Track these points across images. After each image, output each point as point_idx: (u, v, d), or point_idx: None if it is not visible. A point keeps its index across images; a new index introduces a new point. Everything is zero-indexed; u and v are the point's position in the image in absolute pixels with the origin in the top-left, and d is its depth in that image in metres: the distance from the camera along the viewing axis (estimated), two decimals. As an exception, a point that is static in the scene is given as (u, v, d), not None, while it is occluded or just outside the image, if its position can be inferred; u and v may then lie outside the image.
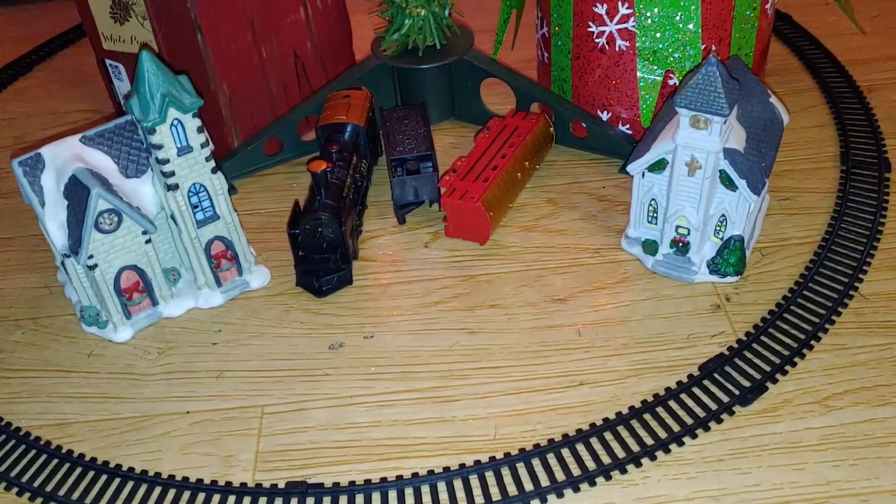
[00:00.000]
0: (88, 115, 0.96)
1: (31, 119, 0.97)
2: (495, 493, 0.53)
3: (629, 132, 0.77)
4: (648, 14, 0.69)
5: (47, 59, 1.08)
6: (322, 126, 0.75)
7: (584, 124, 0.77)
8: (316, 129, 0.76)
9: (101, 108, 0.96)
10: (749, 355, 0.60)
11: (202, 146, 0.62)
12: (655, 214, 0.66)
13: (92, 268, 0.63)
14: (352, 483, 0.54)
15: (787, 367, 0.59)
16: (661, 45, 0.70)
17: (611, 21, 0.71)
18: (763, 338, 0.61)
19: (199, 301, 0.68)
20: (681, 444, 0.55)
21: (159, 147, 0.60)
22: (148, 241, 0.64)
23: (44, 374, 0.64)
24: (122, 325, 0.66)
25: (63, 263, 0.67)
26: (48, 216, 0.63)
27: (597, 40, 0.73)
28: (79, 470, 0.57)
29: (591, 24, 0.72)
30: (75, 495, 0.55)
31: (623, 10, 0.70)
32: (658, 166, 0.63)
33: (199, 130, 0.61)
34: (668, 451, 0.54)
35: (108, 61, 0.84)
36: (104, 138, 0.64)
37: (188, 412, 0.60)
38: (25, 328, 0.68)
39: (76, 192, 0.62)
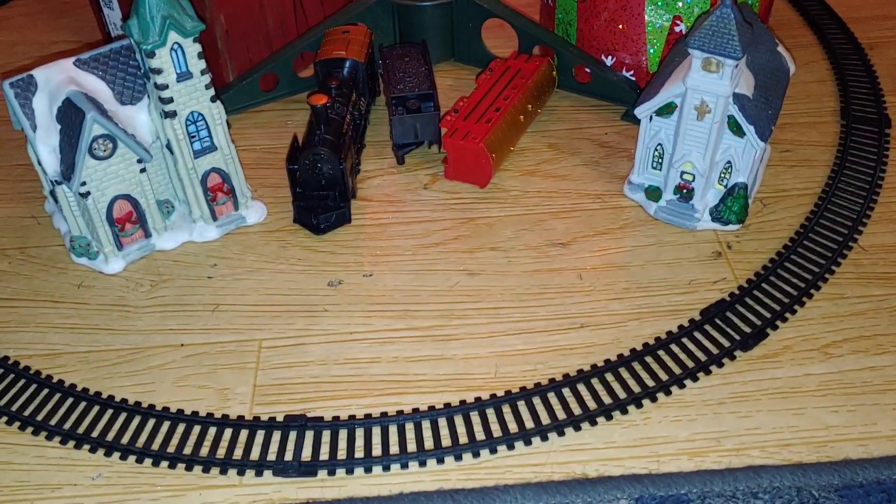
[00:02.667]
0: (74, 45, 0.93)
1: (15, 48, 0.94)
2: (496, 430, 0.53)
3: (633, 78, 0.76)
4: (659, -44, 0.68)
5: (29, -12, 1.05)
6: (321, 61, 0.73)
7: (587, 69, 0.76)
8: (314, 63, 0.74)
9: (88, 38, 0.93)
10: (750, 302, 0.60)
11: (202, 73, 0.60)
12: (661, 160, 0.65)
13: (84, 195, 0.61)
14: (351, 417, 0.54)
15: (788, 315, 0.59)
16: (670, -12, 0.69)
17: (620, -38, 0.70)
18: (764, 285, 0.61)
19: (193, 234, 0.67)
20: (682, 386, 0.55)
21: (158, 71, 0.58)
22: (143, 171, 0.63)
23: (32, 304, 0.63)
24: (113, 256, 0.65)
25: (52, 192, 0.66)
26: (39, 140, 0.60)
27: (605, -20, 0.72)
28: (70, 400, 0.55)
29: (599, -35, 0.71)
30: (66, 425, 0.54)
31: (634, -49, 0.68)
32: (666, 110, 0.62)
33: (200, 56, 0.59)
34: (668, 392, 0.54)
35: (96, -15, 0.81)
36: (99, 62, 0.61)
37: (182, 345, 0.59)
38: (13, 258, 0.66)
39: (70, 117, 0.60)
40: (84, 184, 0.60)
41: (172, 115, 0.60)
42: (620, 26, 0.73)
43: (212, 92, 0.61)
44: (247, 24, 0.77)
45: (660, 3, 0.70)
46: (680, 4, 0.70)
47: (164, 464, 0.52)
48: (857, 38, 0.87)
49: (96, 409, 0.55)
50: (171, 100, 0.60)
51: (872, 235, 0.65)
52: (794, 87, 0.80)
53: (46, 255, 0.67)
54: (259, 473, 0.51)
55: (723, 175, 0.64)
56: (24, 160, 0.71)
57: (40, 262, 0.66)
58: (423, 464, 0.51)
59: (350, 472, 0.51)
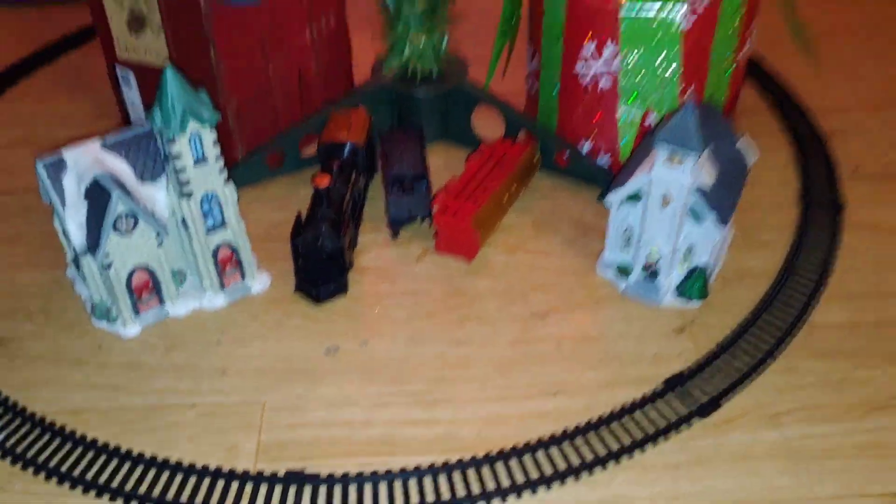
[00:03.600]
0: (92, 117, 1.00)
1: (38, 118, 1.01)
2: (476, 489, 0.58)
3: (608, 164, 0.83)
4: (632, 56, 0.76)
5: (52, 62, 1.13)
6: (324, 143, 0.80)
7: (567, 154, 0.84)
8: (318, 146, 0.81)
9: (105, 111, 1.00)
10: (708, 373, 0.66)
11: (217, 158, 0.67)
12: (629, 241, 0.72)
13: (107, 266, 0.67)
14: (345, 474, 0.59)
15: (742, 386, 0.65)
16: (642, 86, 0.77)
17: (596, 61, 0.77)
18: (721, 358, 0.67)
19: (203, 302, 0.73)
20: (643, 450, 0.60)
21: (178, 157, 0.65)
22: (160, 244, 0.69)
23: (56, 363, 0.69)
24: (131, 321, 0.71)
25: (76, 261, 0.72)
26: (68, 216, 0.67)
27: (582, 78, 0.79)
28: (92, 453, 0.61)
29: (577, 63, 0.78)
30: (89, 476, 0.59)
31: (608, 51, 0.76)
32: (634, 197, 0.69)
33: (215, 143, 0.66)
34: (631, 456, 0.60)
35: (118, 68, 0.88)
36: (123, 145, 0.68)
37: (194, 405, 0.65)
38: (37, 321, 0.72)
39: (96, 195, 0.66)
40: (108, 256, 0.67)
41: (189, 195, 0.67)
42: (596, 118, 0.80)
43: (225, 175, 0.68)
44: (257, 106, 0.85)
45: (630, 102, 0.78)
46: (651, 99, 0.78)
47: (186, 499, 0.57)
48: (820, 127, 0.94)
49: (116, 461, 0.61)
50: (188, 182, 0.66)
51: (823, 314, 0.71)
52: (761, 172, 0.87)
53: (68, 318, 0.73)
54: (261, 524, 0.57)
55: (685, 257, 0.70)
56: (46, 228, 0.78)
57: (63, 324, 0.72)
58: (409, 518, 0.57)
59: (343, 524, 0.57)
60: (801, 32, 0.86)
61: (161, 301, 0.72)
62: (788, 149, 0.91)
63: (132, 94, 0.89)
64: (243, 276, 0.74)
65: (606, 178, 0.81)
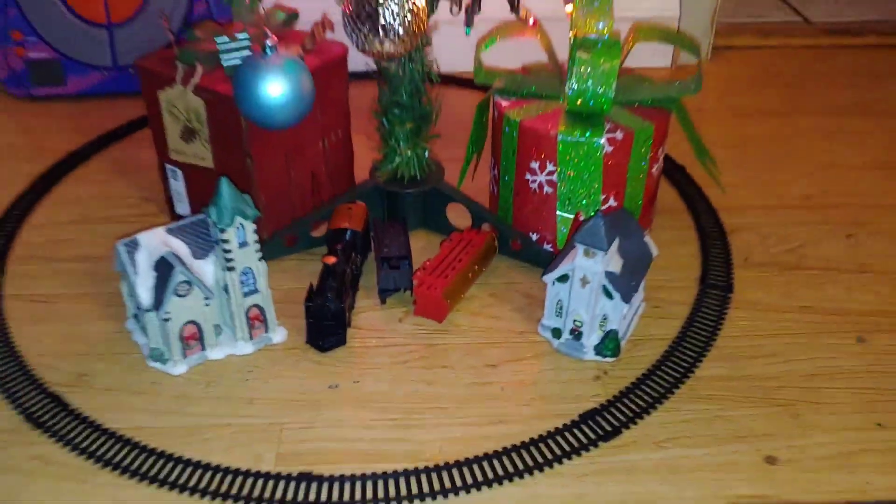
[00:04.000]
0: (140, 200, 1.23)
1: (93, 200, 1.24)
2: (437, 487, 0.80)
3: (550, 250, 1.07)
4: (566, 172, 1.00)
5: (104, 150, 1.37)
6: (331, 230, 1.04)
7: (519, 242, 1.07)
8: (327, 230, 1.05)
9: (150, 194, 1.23)
10: (614, 410, 0.88)
11: (255, 242, 0.90)
12: (561, 311, 0.95)
13: (166, 320, 0.90)
14: (342, 476, 0.81)
15: (637, 420, 0.87)
16: (573, 194, 1.01)
17: (541, 173, 1.02)
18: (624, 400, 0.90)
19: (236, 349, 0.95)
20: (561, 463, 0.82)
21: (226, 241, 0.88)
22: (207, 304, 0.92)
23: (122, 393, 0.90)
24: (179, 362, 0.93)
25: (136, 316, 0.95)
26: (139, 283, 0.90)
27: (531, 185, 1.04)
28: (151, 457, 0.82)
29: (527, 174, 1.03)
30: (150, 473, 0.81)
31: (549, 168, 1.01)
32: (563, 278, 0.92)
33: (254, 231, 0.90)
34: (552, 467, 0.82)
35: (167, 166, 1.12)
36: (182, 230, 0.92)
37: (229, 425, 0.87)
38: (106, 361, 0.94)
39: (162, 268, 0.89)
40: (168, 313, 0.89)
41: (232, 269, 0.90)
42: (541, 215, 1.05)
43: (260, 254, 0.91)
44: (280, 200, 1.08)
45: (566, 202, 1.02)
46: (580, 203, 1.02)
47: (218, 499, 0.79)
48: (723, 224, 1.19)
49: (170, 464, 0.82)
50: (232, 260, 0.90)
51: (706, 370, 0.94)
52: (672, 260, 1.10)
53: (129, 360, 0.95)
54: (280, 509, 0.78)
55: (601, 324, 0.93)
56: (110, 289, 1.01)
57: (125, 365, 0.94)
58: (388, 507, 0.79)
59: (340, 510, 0.78)
60: (704, 152, 1.12)
61: (203, 347, 0.94)
62: (695, 241, 1.16)
63: (178, 186, 1.12)
64: (267, 329, 0.96)
65: (548, 262, 1.05)
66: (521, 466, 0.82)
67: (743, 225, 1.19)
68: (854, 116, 1.46)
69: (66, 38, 1.42)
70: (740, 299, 1.05)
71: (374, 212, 1.11)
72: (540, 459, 0.83)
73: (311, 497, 0.79)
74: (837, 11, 1.85)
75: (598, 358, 0.94)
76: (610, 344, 0.94)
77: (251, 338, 0.96)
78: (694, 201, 1.23)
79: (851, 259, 1.12)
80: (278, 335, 0.97)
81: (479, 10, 0.96)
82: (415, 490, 0.80)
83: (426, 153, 1.10)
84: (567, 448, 0.84)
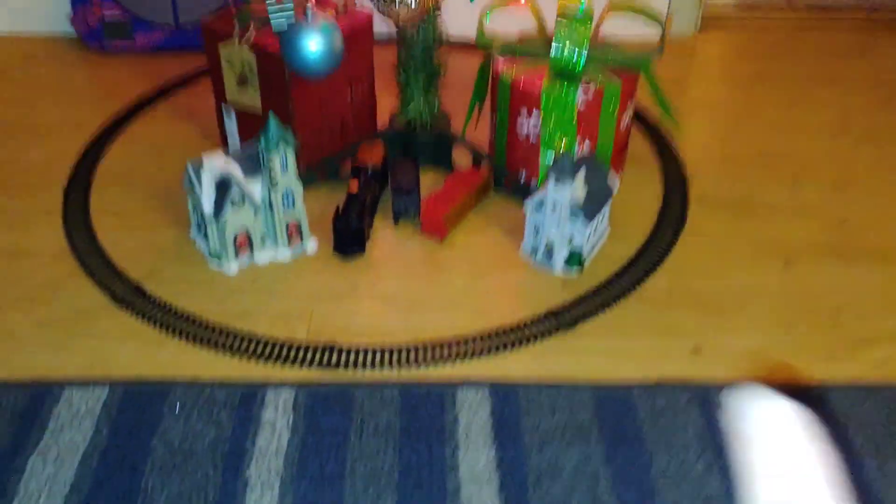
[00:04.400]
0: (199, 137, 1.47)
1: (160, 137, 1.48)
2: (429, 358, 1.04)
3: (535, 186, 1.29)
4: (548, 120, 1.22)
5: (167, 97, 1.60)
6: (356, 164, 1.27)
7: (510, 178, 1.30)
8: (351, 165, 1.28)
9: (208, 134, 1.47)
10: (574, 309, 1.11)
11: (294, 167, 1.14)
12: (538, 232, 1.18)
13: (223, 227, 1.14)
14: (356, 346, 1.05)
15: (591, 317, 1.10)
16: (552, 137, 1.23)
17: (528, 119, 1.24)
18: (582, 302, 1.12)
19: (277, 254, 1.19)
20: (530, 344, 1.06)
21: (272, 165, 1.12)
22: (255, 216, 1.16)
23: (187, 284, 1.15)
24: (233, 262, 1.17)
25: (198, 225, 1.19)
26: (204, 194, 1.14)
27: (520, 132, 1.26)
28: (210, 330, 1.07)
29: (518, 122, 1.25)
30: (210, 341, 1.05)
31: (534, 117, 1.23)
32: (539, 205, 1.15)
33: (295, 158, 1.13)
34: (521, 347, 1.05)
35: (224, 106, 1.36)
36: (239, 156, 1.15)
37: (271, 310, 1.11)
38: (174, 260, 1.19)
39: (222, 184, 1.13)
40: (225, 221, 1.13)
41: (276, 187, 1.14)
42: (528, 156, 1.27)
43: (297, 176, 1.15)
44: (314, 138, 1.31)
45: (547, 144, 1.24)
46: (558, 145, 1.24)
47: (262, 359, 1.03)
48: (686, 171, 1.40)
49: (224, 334, 1.06)
50: (276, 180, 1.13)
51: (653, 281, 1.17)
52: (636, 198, 1.32)
53: (193, 260, 1.19)
54: (310, 365, 1.02)
55: (568, 242, 1.16)
56: (175, 204, 1.25)
57: (191, 262, 1.18)
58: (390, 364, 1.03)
59: (354, 366, 1.02)
60: (667, 108, 1.33)
61: (251, 252, 1.18)
62: (660, 184, 1.37)
63: (231, 125, 1.36)
64: (302, 239, 1.20)
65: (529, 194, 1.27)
66: (496, 346, 1.06)
67: (703, 172, 1.40)
68: (817, 87, 1.66)
69: (135, 0, 1.66)
70: (691, 230, 1.27)
71: (391, 151, 1.34)
72: (511, 342, 1.06)
73: (334, 360, 1.03)
74: (821, -9, 2.04)
75: (566, 270, 1.17)
76: (575, 259, 1.16)
77: (289, 246, 1.19)
78: (663, 152, 1.45)
79: (791, 202, 1.34)
80: (311, 245, 1.21)
81: (480, -15, 1.18)
82: (412, 359, 1.04)
83: (436, 104, 1.32)
84: (533, 335, 1.07)
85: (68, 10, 1.73)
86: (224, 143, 1.40)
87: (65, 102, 1.58)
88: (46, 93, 1.61)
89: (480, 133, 1.40)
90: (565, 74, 1.21)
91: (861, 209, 1.32)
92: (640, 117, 1.51)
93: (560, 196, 1.12)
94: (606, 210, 1.20)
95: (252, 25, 1.22)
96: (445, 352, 1.05)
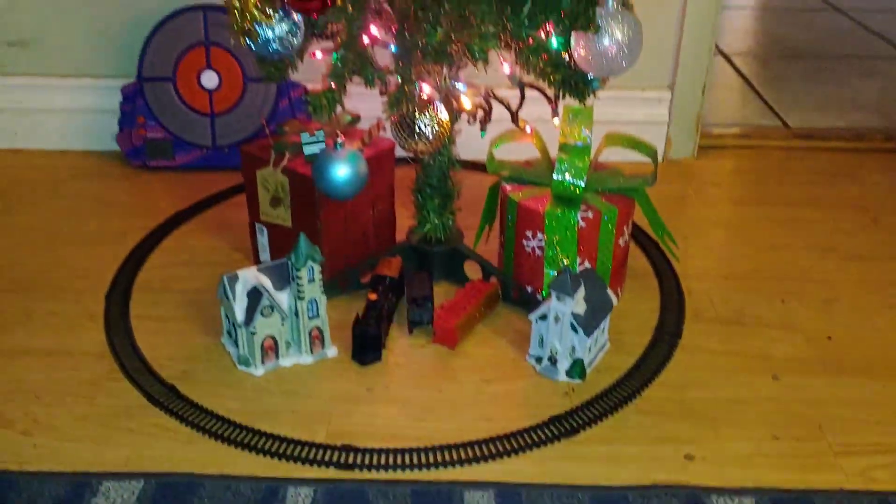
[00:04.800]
0: (231, 250, 1.59)
1: (195, 249, 1.60)
2: (439, 460, 1.12)
3: (540, 298, 1.40)
4: (551, 239, 1.33)
5: (203, 211, 1.74)
6: (375, 275, 1.39)
7: (517, 291, 1.40)
8: (371, 276, 1.39)
9: (239, 246, 1.59)
10: (575, 416, 1.19)
11: (320, 280, 1.25)
12: (542, 342, 1.27)
13: (253, 334, 1.24)
14: (371, 448, 1.13)
15: (591, 425, 1.18)
16: (556, 256, 1.34)
17: (533, 240, 1.35)
18: (584, 409, 1.21)
19: (300, 359, 1.29)
20: (532, 450, 1.13)
21: (300, 278, 1.23)
22: (283, 324, 1.26)
23: (217, 386, 1.24)
24: (260, 366, 1.27)
25: (229, 331, 1.29)
26: (237, 305, 1.25)
27: (526, 249, 1.37)
28: (237, 429, 1.16)
29: (524, 240, 1.37)
30: (237, 439, 1.14)
31: (539, 236, 1.34)
32: (543, 317, 1.25)
33: (321, 273, 1.24)
34: (525, 452, 1.13)
35: (257, 224, 1.48)
36: (269, 269, 1.27)
37: (294, 411, 1.20)
38: (205, 363, 1.29)
39: (253, 295, 1.24)
40: (255, 328, 1.24)
41: (302, 298, 1.25)
42: (533, 272, 1.38)
43: (322, 289, 1.26)
44: (338, 252, 1.43)
45: (550, 262, 1.35)
46: (560, 264, 1.35)
47: (284, 459, 1.11)
48: (682, 288, 1.50)
49: (250, 434, 1.15)
50: (303, 291, 1.24)
51: (651, 392, 1.25)
52: (634, 311, 1.42)
53: (223, 364, 1.29)
54: (327, 466, 1.10)
55: (571, 353, 1.25)
56: (210, 313, 1.36)
57: (220, 367, 1.28)
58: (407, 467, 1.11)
59: (368, 467, 1.10)
60: (661, 231, 1.45)
61: (277, 356, 1.28)
62: (657, 299, 1.47)
63: (263, 240, 1.48)
64: (323, 346, 1.30)
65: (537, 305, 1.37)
66: (502, 450, 1.14)
67: (698, 289, 1.50)
68: (806, 208, 1.78)
69: (177, 123, 1.82)
70: (686, 345, 1.36)
71: (407, 264, 1.46)
72: (516, 446, 1.14)
73: (350, 460, 1.11)
74: (812, 118, 2.18)
75: (568, 379, 1.26)
76: (577, 369, 1.25)
77: (312, 352, 1.29)
78: (660, 269, 1.55)
79: (780, 319, 1.43)
80: (331, 351, 1.31)
81: (490, 120, 1.32)
82: (423, 461, 1.12)
83: (450, 222, 1.45)
84: (537, 440, 1.15)
85: (115, 129, 1.89)
86: (255, 255, 1.52)
87: (109, 214, 1.71)
88: (92, 205, 1.75)
89: (491, 248, 1.51)
90: (566, 199, 1.33)
91: (846, 325, 1.41)
92: (640, 234, 1.63)
93: (562, 310, 1.22)
94: (606, 323, 1.29)
95: (287, 153, 1.36)
96: (454, 455, 1.13)
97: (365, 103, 1.39)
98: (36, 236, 1.63)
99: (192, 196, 1.77)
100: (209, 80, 1.81)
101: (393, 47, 1.19)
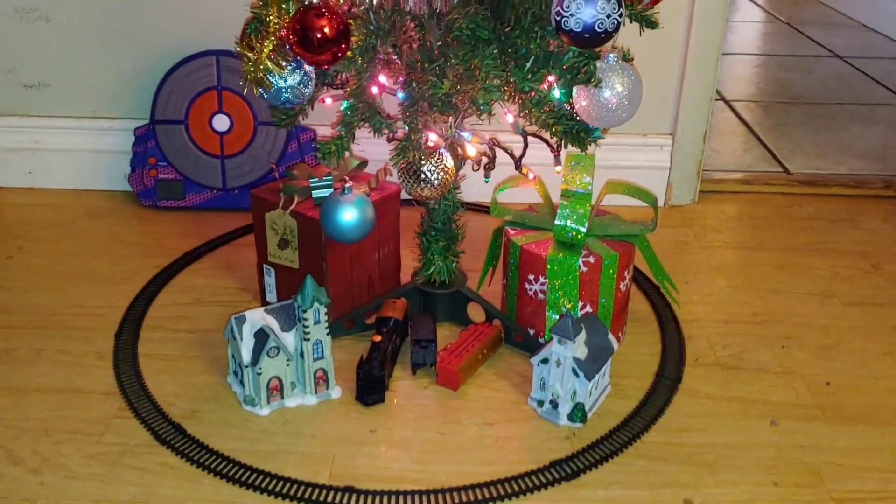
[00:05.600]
0: (238, 290, 1.62)
1: (204, 289, 1.63)
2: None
3: (542, 342, 1.42)
4: (553, 283, 1.36)
5: (212, 251, 1.77)
6: (379, 317, 1.41)
7: (519, 334, 1.43)
8: (376, 318, 1.42)
9: (247, 286, 1.62)
10: (576, 460, 1.21)
11: (325, 322, 1.27)
12: (543, 386, 1.29)
13: (259, 374, 1.26)
14: (374, 490, 1.14)
15: (592, 469, 1.19)
16: (558, 300, 1.37)
17: (536, 284, 1.38)
18: (585, 454, 1.22)
19: (305, 400, 1.31)
20: (534, 493, 1.15)
21: (306, 319, 1.26)
22: (288, 365, 1.28)
23: (223, 426, 1.26)
24: (265, 406, 1.29)
25: (236, 372, 1.32)
26: (244, 346, 1.27)
27: (529, 292, 1.40)
28: (241, 469, 1.17)
29: (526, 284, 1.39)
30: (241, 479, 1.16)
31: (542, 280, 1.37)
32: (544, 361, 1.27)
33: (326, 313, 1.27)
34: (527, 495, 1.14)
35: (265, 265, 1.51)
36: (276, 310, 1.29)
37: (296, 452, 1.21)
38: (212, 402, 1.31)
39: (260, 335, 1.27)
40: (261, 369, 1.26)
41: (308, 339, 1.27)
42: (536, 315, 1.40)
43: (327, 330, 1.28)
44: (343, 293, 1.46)
45: (553, 307, 1.37)
46: (562, 308, 1.37)
47: (287, 500, 1.13)
48: (682, 332, 1.52)
49: (253, 473, 1.17)
50: (309, 333, 1.27)
51: (650, 437, 1.26)
52: (635, 355, 1.44)
53: (229, 403, 1.31)
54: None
55: (572, 397, 1.27)
56: (217, 353, 1.38)
57: (226, 406, 1.30)
58: (405, 511, 1.12)
59: (372, 511, 1.12)
60: (661, 276, 1.47)
61: (282, 397, 1.30)
62: (658, 344, 1.49)
63: (270, 281, 1.51)
64: (328, 387, 1.32)
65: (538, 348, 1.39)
66: (503, 494, 1.15)
67: (699, 333, 1.52)
68: (806, 253, 1.80)
69: (189, 164, 1.86)
70: (686, 389, 1.37)
71: (412, 306, 1.48)
72: (518, 490, 1.16)
73: (352, 503, 1.13)
74: (813, 164, 2.21)
75: (569, 423, 1.27)
76: (578, 413, 1.27)
77: (316, 392, 1.31)
78: (661, 313, 1.57)
79: (780, 364, 1.44)
80: (336, 392, 1.33)
81: (494, 167, 1.35)
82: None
83: (454, 264, 1.47)
84: (538, 484, 1.17)
85: (127, 170, 1.93)
86: (262, 295, 1.55)
87: (120, 254, 1.74)
88: (104, 244, 1.78)
89: (494, 290, 1.53)
90: (568, 245, 1.36)
91: (845, 371, 1.43)
92: (641, 278, 1.65)
93: (563, 354, 1.24)
94: (607, 368, 1.31)
95: (296, 197, 1.40)
96: (456, 498, 1.14)
97: (372, 146, 1.43)
98: (48, 274, 1.66)
99: (201, 236, 1.80)
100: (221, 123, 1.85)
101: (400, 94, 1.23)
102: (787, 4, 4.17)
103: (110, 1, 1.85)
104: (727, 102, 2.69)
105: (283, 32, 1.13)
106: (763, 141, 2.37)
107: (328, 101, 1.34)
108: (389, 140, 1.28)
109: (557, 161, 1.34)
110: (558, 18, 1.06)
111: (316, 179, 1.33)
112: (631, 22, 1.19)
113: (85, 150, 1.97)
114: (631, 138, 1.91)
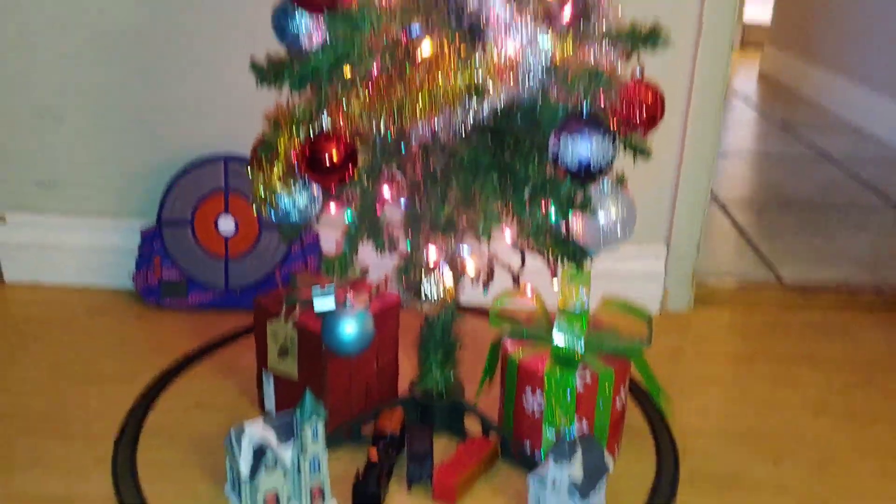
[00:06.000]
0: (238, 394, 1.64)
1: (203, 392, 1.64)
2: None
3: (539, 457, 1.42)
4: (550, 400, 1.38)
5: (213, 353, 1.79)
6: (377, 431, 1.42)
7: (517, 449, 1.43)
8: (373, 432, 1.43)
9: (245, 390, 1.64)
10: (571, 582, 1.21)
11: (322, 437, 1.29)
12: (539, 504, 1.29)
13: (257, 488, 1.27)
14: None
15: (587, 591, 1.19)
16: (554, 415, 1.38)
17: (533, 398, 1.40)
18: (580, 575, 1.22)
19: (301, 514, 1.31)
20: None
21: (305, 435, 1.27)
22: (284, 478, 1.29)
23: (219, 539, 1.26)
24: (261, 520, 1.29)
25: (232, 483, 1.32)
26: (242, 459, 1.28)
27: (526, 407, 1.41)
28: (238, 587, 1.17)
29: (523, 398, 1.41)
30: None
31: (538, 396, 1.38)
32: (541, 480, 1.27)
33: (324, 430, 1.28)
34: None
35: (264, 371, 1.53)
36: (274, 424, 1.31)
37: (292, 568, 1.21)
38: (209, 515, 1.31)
39: (258, 450, 1.28)
40: (258, 482, 1.27)
41: (305, 453, 1.28)
42: (533, 431, 1.41)
43: (324, 445, 1.29)
44: (342, 402, 1.47)
45: (550, 421, 1.38)
46: (560, 423, 1.38)
47: None
48: (677, 446, 1.53)
49: None
50: (307, 447, 1.28)
51: (646, 557, 1.27)
52: (633, 472, 1.44)
53: (225, 515, 1.31)
54: None
55: (567, 516, 1.27)
56: (216, 461, 1.39)
57: (222, 518, 1.31)
58: None
59: None
60: (657, 392, 1.49)
61: (278, 511, 1.30)
62: (653, 459, 1.50)
63: (269, 388, 1.53)
64: (324, 500, 1.32)
65: (536, 466, 1.40)
66: None
67: (693, 447, 1.53)
68: (800, 365, 1.82)
69: (192, 264, 1.90)
70: (681, 505, 1.38)
71: (409, 416, 1.49)
72: None
73: None
74: (805, 270, 2.26)
75: (566, 541, 1.28)
76: (574, 531, 1.27)
77: (312, 506, 1.32)
78: (656, 426, 1.58)
79: (774, 481, 1.45)
80: (332, 506, 1.33)
81: (492, 280, 1.39)
82: None
83: (451, 376, 1.49)
84: None
85: (131, 268, 1.96)
86: (261, 401, 1.56)
87: (121, 353, 1.76)
88: (105, 343, 1.80)
89: (491, 398, 1.55)
90: (565, 360, 1.38)
91: (841, 489, 1.43)
92: (636, 388, 1.66)
93: (559, 475, 1.25)
94: (602, 487, 1.32)
95: (298, 306, 1.43)
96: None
97: (374, 254, 1.46)
98: (48, 374, 1.67)
99: (203, 335, 1.83)
100: (226, 224, 1.89)
101: (403, 205, 1.27)
102: (781, 105, 4.29)
103: (123, 104, 1.92)
104: (720, 204, 2.75)
105: (293, 155, 1.18)
106: (756, 246, 2.41)
107: (332, 209, 1.38)
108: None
109: (554, 276, 1.38)
110: (555, 154, 1.11)
111: (318, 289, 1.36)
112: (625, 150, 1.25)
113: (90, 248, 2.01)
114: (625, 247, 1.95)
